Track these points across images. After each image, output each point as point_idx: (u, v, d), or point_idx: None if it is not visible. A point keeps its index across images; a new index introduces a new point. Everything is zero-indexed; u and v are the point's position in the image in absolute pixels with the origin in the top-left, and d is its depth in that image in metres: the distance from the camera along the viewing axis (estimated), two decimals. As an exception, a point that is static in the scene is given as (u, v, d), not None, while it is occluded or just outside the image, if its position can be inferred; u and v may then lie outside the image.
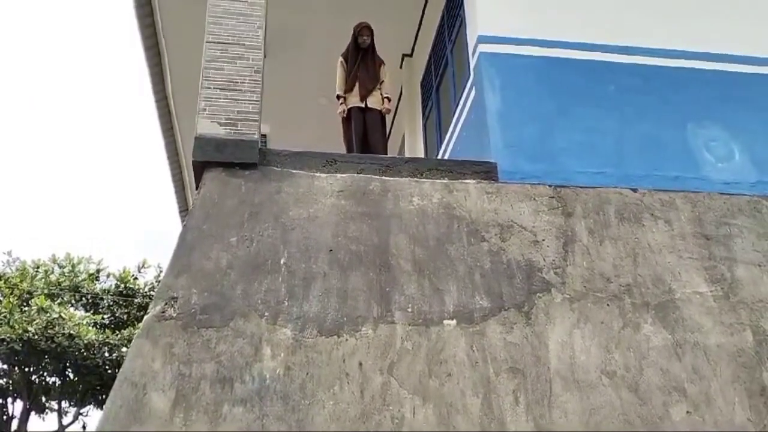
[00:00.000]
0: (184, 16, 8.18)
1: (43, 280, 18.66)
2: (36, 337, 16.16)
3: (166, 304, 4.13)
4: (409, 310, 4.32)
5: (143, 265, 20.33)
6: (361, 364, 4.03)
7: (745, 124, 5.81)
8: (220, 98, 5.13)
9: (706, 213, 5.23)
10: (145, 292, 19.37)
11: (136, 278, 19.90)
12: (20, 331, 16.06)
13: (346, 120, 6.89)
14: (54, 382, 18.58)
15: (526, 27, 5.89)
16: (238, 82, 5.21)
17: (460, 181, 5.17)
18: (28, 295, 17.66)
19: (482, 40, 5.83)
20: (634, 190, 5.29)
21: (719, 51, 6.07)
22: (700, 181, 5.45)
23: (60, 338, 16.40)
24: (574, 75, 5.80)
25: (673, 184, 5.38)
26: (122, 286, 19.44)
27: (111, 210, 67.52)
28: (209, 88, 5.16)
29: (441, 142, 7.62)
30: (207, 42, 5.31)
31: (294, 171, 5.04)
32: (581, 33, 5.96)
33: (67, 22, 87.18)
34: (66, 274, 19.20)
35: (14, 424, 18.35)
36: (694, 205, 5.27)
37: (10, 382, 18.16)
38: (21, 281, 18.06)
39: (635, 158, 5.51)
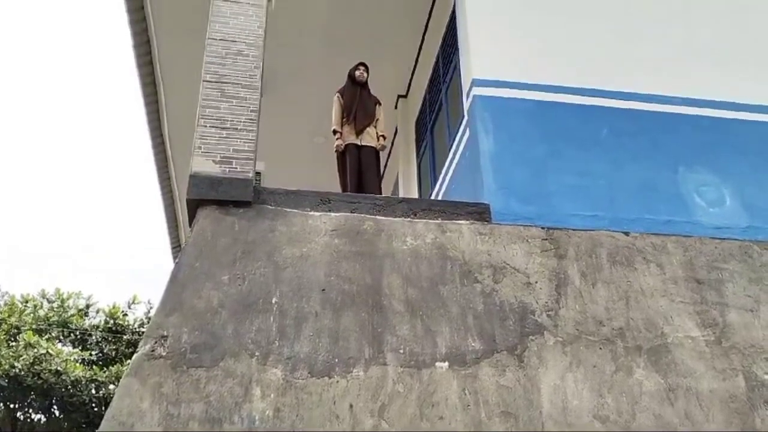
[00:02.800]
0: (182, 55, 8.29)
1: (31, 314, 18.49)
2: (22, 372, 15.95)
3: (155, 342, 4.09)
4: (401, 351, 4.30)
5: (133, 302, 20.19)
6: (351, 406, 3.99)
7: (735, 169, 5.88)
8: (215, 137, 5.14)
9: (698, 257, 5.25)
10: (135, 329, 19.20)
11: (125, 314, 19.75)
12: (7, 367, 15.85)
13: (342, 155, 6.94)
14: (39, 420, 18.25)
15: (520, 71, 5.98)
16: (234, 121, 5.23)
17: (453, 221, 5.18)
18: (15, 330, 17.46)
19: (476, 83, 5.92)
20: (626, 234, 5.32)
21: (710, 97, 6.17)
22: (691, 225, 5.48)
23: (47, 374, 16.18)
24: (567, 118, 5.87)
25: (665, 227, 5.41)
26: (111, 322, 19.26)
27: (102, 243, 67.24)
28: (205, 126, 5.17)
29: (435, 182, 7.66)
30: (204, 81, 5.35)
31: (288, 209, 5.05)
32: (574, 78, 6.06)
33: (67, 57, 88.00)
34: (55, 309, 19.05)
35: (-3, 462, 18.01)
36: (686, 249, 5.29)
37: (-5, 418, 17.87)
38: (9, 316, 17.88)
39: (627, 201, 5.54)
